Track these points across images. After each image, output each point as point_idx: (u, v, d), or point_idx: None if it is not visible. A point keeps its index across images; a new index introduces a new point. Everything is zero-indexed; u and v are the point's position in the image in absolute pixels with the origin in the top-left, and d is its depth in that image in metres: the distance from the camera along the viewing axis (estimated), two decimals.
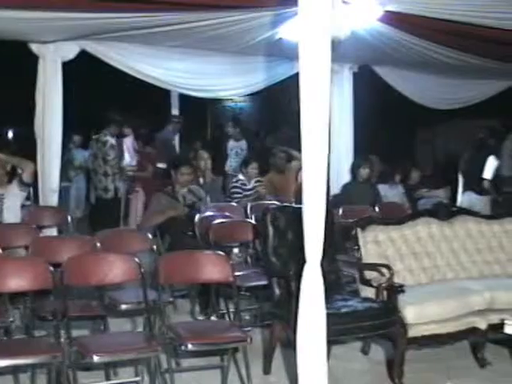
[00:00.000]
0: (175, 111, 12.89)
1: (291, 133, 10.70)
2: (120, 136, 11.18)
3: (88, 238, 6.65)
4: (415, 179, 11.06)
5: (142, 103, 14.64)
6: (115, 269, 5.30)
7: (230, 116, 16.08)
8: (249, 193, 9.67)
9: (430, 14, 6.62)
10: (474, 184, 10.50)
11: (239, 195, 9.55)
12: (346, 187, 9.78)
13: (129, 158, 11.69)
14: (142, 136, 12.68)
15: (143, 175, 11.50)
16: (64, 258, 5.31)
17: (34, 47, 8.13)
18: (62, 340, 5.05)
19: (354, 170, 9.81)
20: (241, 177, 9.82)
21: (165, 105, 12.89)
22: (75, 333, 5.16)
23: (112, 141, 10.56)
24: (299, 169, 7.23)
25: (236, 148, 12.40)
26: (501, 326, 5.45)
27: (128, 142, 12.22)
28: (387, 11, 6.64)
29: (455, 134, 15.07)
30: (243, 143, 12.52)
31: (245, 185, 9.70)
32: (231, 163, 12.19)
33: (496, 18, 6.65)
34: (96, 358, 4.64)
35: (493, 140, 11.18)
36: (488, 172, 10.35)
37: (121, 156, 10.91)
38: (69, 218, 8.13)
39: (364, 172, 9.77)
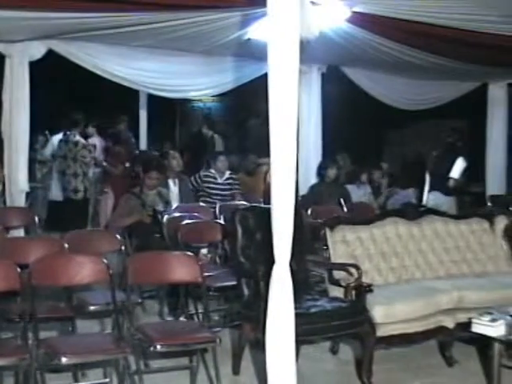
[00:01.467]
0: (143, 111, 12.86)
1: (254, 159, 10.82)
2: (84, 136, 11.18)
3: (56, 238, 6.61)
4: (378, 179, 11.14)
5: (109, 103, 14.54)
6: (83, 270, 5.26)
7: (202, 117, 16.07)
8: (222, 187, 9.69)
9: (397, 16, 6.66)
10: (441, 184, 10.57)
11: (211, 190, 9.58)
12: (313, 188, 9.80)
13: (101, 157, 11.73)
14: (111, 135, 12.65)
15: (114, 172, 11.49)
16: (31, 259, 5.27)
17: (1, 47, 8.03)
18: (30, 342, 5.00)
19: (322, 170, 9.85)
20: (211, 171, 9.85)
21: (133, 105, 12.84)
22: (43, 334, 5.12)
23: (83, 140, 10.55)
24: (268, 169, 7.24)
25: None
26: (468, 324, 5.52)
27: (96, 142, 12.20)
28: (355, 12, 6.67)
29: (423, 134, 15.16)
30: None
31: (215, 178, 9.72)
32: None
33: (463, 19, 6.70)
34: (64, 360, 4.61)
35: (461, 142, 11.27)
36: (455, 172, 10.43)
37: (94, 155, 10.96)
38: (36, 219, 8.07)
39: (331, 172, 9.81)
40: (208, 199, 9.53)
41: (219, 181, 9.77)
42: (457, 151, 10.75)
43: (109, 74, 8.69)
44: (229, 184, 9.84)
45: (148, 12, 6.61)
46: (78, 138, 10.52)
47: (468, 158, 10.81)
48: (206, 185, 9.72)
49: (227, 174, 9.92)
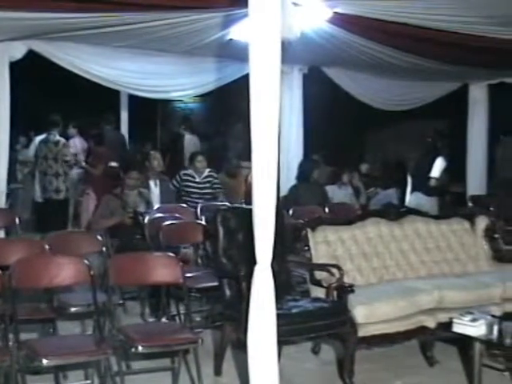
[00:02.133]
0: (124, 112, 12.83)
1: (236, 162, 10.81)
2: (65, 137, 11.17)
3: (36, 239, 6.58)
4: (357, 180, 11.18)
5: (90, 104, 14.50)
6: (64, 271, 5.25)
7: (181, 118, 16.04)
8: (201, 185, 9.67)
9: (378, 17, 6.68)
10: (423, 185, 10.61)
11: (190, 189, 9.56)
12: (294, 189, 9.76)
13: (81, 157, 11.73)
14: (94, 136, 12.63)
15: (94, 172, 11.47)
16: (12, 261, 5.24)
17: None
18: (11, 344, 4.98)
19: (306, 171, 9.80)
20: (189, 170, 9.83)
21: (114, 105, 12.81)
22: (24, 336, 5.10)
23: (63, 140, 10.55)
24: (249, 170, 7.25)
25: None
26: (449, 324, 5.55)
27: (77, 143, 12.17)
28: (336, 13, 6.68)
29: (404, 134, 15.21)
30: None
31: (194, 178, 9.70)
32: None
33: (444, 20, 6.73)
34: (45, 362, 4.59)
35: (441, 142, 11.31)
36: (436, 171, 10.47)
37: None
38: (17, 220, 8.03)
39: (316, 173, 9.80)
40: (188, 199, 9.53)
41: (198, 180, 9.75)
42: (437, 151, 10.79)
43: (89, 74, 8.66)
44: (208, 182, 9.81)
45: (129, 12, 6.60)
46: (57, 137, 10.51)
47: (449, 159, 10.85)
48: (186, 184, 9.71)
49: (206, 172, 9.89)
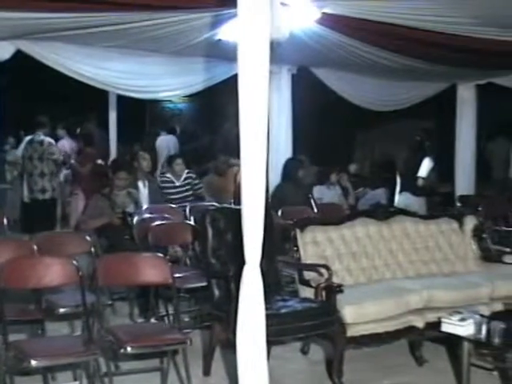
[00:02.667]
0: (113, 112, 12.82)
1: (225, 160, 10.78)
2: (54, 138, 11.18)
3: (25, 240, 6.56)
4: (346, 180, 11.20)
5: (79, 104, 14.48)
6: (53, 272, 5.24)
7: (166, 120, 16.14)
8: (180, 189, 9.60)
9: (367, 17, 6.69)
10: (411, 185, 10.63)
11: (171, 196, 9.50)
12: (279, 188, 9.70)
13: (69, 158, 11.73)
14: (84, 136, 12.63)
15: (82, 171, 11.48)
16: (0, 261, 5.22)
17: None
18: None
19: (291, 171, 9.77)
20: (167, 175, 9.78)
21: (103, 105, 12.78)
22: (12, 337, 5.06)
23: (48, 139, 10.54)
24: (238, 170, 7.24)
25: None
26: (438, 324, 5.56)
27: (65, 143, 12.15)
28: (325, 13, 6.69)
29: (393, 134, 15.25)
30: None
31: (173, 182, 9.63)
32: None
33: (432, 20, 6.76)
34: (34, 363, 4.58)
35: (428, 141, 11.35)
36: (423, 171, 10.49)
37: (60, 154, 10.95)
38: (5, 221, 8.00)
39: (301, 173, 9.79)
40: (170, 203, 9.41)
41: (177, 184, 9.65)
42: (425, 151, 10.81)
43: (78, 74, 8.63)
44: (188, 184, 9.72)
45: (117, 12, 6.58)
46: (42, 137, 10.52)
47: (437, 159, 10.89)
48: (165, 190, 9.60)
49: (184, 174, 9.82)
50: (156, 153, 13.00)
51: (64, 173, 11.88)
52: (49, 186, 10.42)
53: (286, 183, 9.71)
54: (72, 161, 11.90)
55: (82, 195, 10.74)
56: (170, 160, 10.12)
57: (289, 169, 9.80)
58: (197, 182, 9.92)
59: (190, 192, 9.69)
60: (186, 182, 9.75)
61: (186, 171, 9.85)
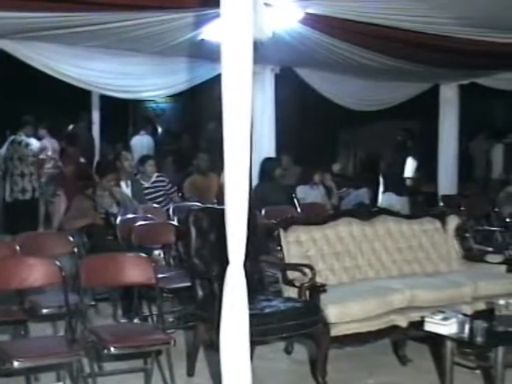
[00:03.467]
0: (96, 112, 12.79)
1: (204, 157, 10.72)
2: (36, 137, 11.14)
3: (7, 241, 6.53)
4: (329, 180, 11.21)
5: (61, 103, 14.42)
6: (35, 272, 5.21)
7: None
8: (149, 191, 9.52)
9: (350, 17, 6.71)
10: (394, 185, 10.66)
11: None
12: (257, 188, 9.65)
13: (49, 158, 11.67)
14: (67, 136, 12.59)
15: (64, 171, 11.43)
16: None
17: None
18: None
19: (268, 170, 9.74)
20: (137, 177, 9.69)
21: (85, 105, 12.75)
22: None
23: (27, 140, 10.52)
24: (221, 170, 7.23)
25: None
26: (421, 323, 5.57)
27: (46, 143, 12.10)
28: (308, 13, 6.70)
29: (377, 135, 15.29)
30: None
31: (142, 184, 9.56)
32: None
33: (415, 21, 6.78)
34: (16, 364, 4.56)
35: (410, 142, 11.39)
36: (409, 171, 10.53)
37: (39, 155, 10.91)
38: None
39: (278, 172, 9.79)
40: None
41: (146, 185, 9.58)
42: (407, 151, 10.85)
43: (61, 74, 8.59)
44: (157, 187, 9.64)
45: (101, 12, 6.57)
46: (23, 137, 10.51)
47: (420, 159, 10.93)
48: None
49: (154, 177, 9.70)
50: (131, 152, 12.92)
51: (47, 173, 11.81)
52: (29, 187, 10.41)
53: (263, 183, 9.66)
54: (53, 161, 11.82)
55: (64, 196, 10.68)
56: (143, 160, 10.01)
57: (265, 168, 9.75)
58: (169, 186, 9.81)
59: (161, 193, 9.61)
60: (155, 185, 9.65)
61: (156, 175, 9.75)
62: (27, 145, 10.54)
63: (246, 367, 4.63)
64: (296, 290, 6.00)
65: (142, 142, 14.37)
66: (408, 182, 10.50)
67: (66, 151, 12.03)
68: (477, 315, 5.68)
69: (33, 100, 14.12)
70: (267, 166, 9.79)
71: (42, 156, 11.31)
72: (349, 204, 10.87)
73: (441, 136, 11.71)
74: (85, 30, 7.31)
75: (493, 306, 5.50)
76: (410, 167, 10.58)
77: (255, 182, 9.52)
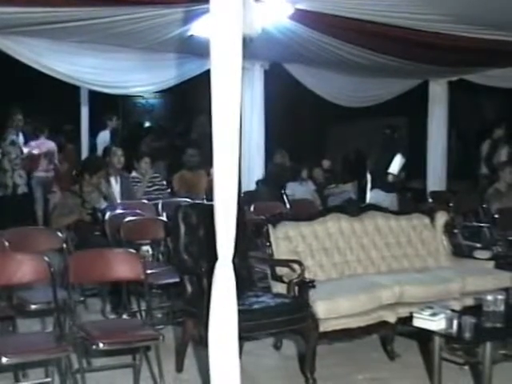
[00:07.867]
0: (85, 107, 12.74)
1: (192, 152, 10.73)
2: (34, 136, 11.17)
3: None
4: (318, 176, 11.22)
5: (50, 99, 14.36)
6: (24, 268, 5.19)
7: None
8: (146, 189, 9.52)
9: (340, 13, 6.72)
10: (382, 182, 10.67)
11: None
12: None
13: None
14: (66, 132, 12.56)
15: (60, 169, 11.44)
16: None
17: None
18: None
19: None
20: (134, 174, 9.71)
21: (74, 101, 12.69)
22: None
23: (13, 137, 10.54)
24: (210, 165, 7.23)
25: None
26: (409, 319, 5.59)
27: (40, 143, 12.08)
28: (298, 9, 6.71)
29: (365, 131, 15.30)
30: None
31: (140, 181, 9.56)
32: None
33: (405, 17, 6.79)
34: (4, 360, 4.55)
35: (397, 134, 11.38)
36: (394, 167, 10.52)
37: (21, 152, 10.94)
38: None
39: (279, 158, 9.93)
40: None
41: (144, 181, 9.58)
42: (395, 146, 10.85)
43: (49, 69, 8.56)
44: (154, 182, 9.65)
45: (89, 7, 6.55)
46: (11, 135, 10.56)
47: (409, 155, 10.93)
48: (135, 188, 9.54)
49: (150, 173, 9.74)
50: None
51: (36, 176, 11.77)
52: (10, 182, 10.45)
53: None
54: (45, 163, 11.78)
55: (60, 193, 10.69)
56: (138, 158, 9.99)
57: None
58: (159, 184, 9.79)
59: (156, 187, 9.58)
60: (152, 180, 9.64)
61: (151, 172, 9.79)
62: (13, 142, 10.57)
63: (235, 363, 4.64)
64: (285, 285, 5.99)
65: (104, 138, 14.29)
66: (390, 178, 10.48)
67: (65, 148, 12.03)
68: (465, 311, 5.68)
69: (20, 97, 14.05)
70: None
71: (26, 154, 11.25)
72: (335, 200, 10.90)
73: (429, 132, 11.75)
74: (74, 25, 7.30)
75: (481, 301, 5.52)
76: (396, 163, 10.57)
77: (245, 178, 9.54)
